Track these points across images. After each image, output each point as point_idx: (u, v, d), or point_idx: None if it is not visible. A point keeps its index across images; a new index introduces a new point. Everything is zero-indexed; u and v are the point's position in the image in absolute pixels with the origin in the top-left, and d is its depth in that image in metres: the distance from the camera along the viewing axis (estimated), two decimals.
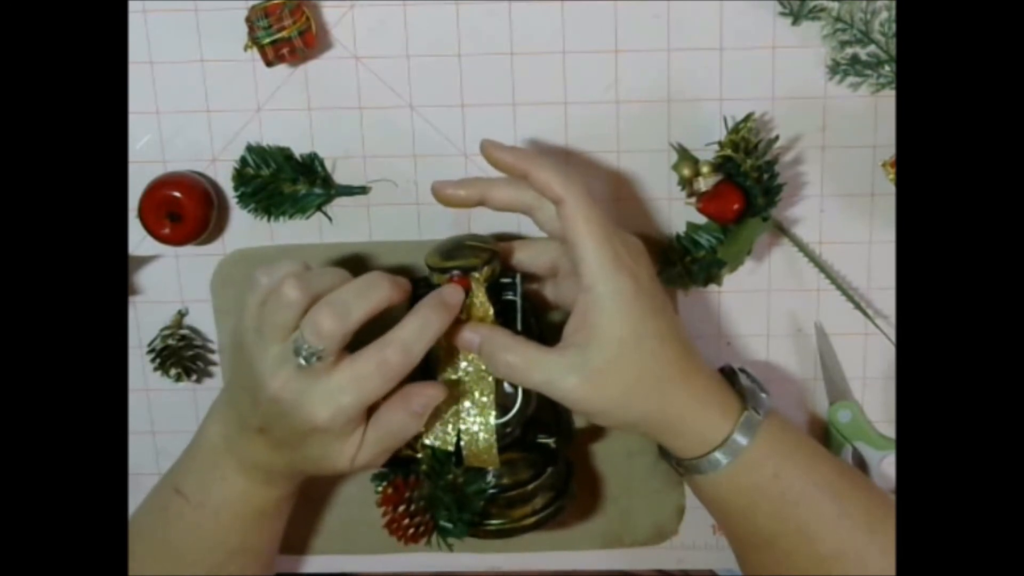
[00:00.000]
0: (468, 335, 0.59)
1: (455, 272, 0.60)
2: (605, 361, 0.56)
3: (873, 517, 0.58)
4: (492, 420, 0.61)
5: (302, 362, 0.55)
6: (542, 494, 0.63)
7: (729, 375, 0.62)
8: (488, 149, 0.58)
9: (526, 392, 0.62)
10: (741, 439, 0.58)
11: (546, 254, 0.62)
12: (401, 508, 0.63)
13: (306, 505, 0.72)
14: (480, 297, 0.60)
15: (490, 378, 0.61)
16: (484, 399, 0.61)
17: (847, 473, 0.61)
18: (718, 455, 0.58)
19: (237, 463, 0.62)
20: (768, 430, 0.58)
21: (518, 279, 0.62)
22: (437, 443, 0.61)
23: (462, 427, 0.61)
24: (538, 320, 0.64)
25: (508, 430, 0.62)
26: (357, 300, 0.56)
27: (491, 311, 0.60)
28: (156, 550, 0.64)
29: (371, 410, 0.58)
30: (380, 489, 0.64)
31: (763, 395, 0.60)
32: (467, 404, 0.61)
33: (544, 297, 0.64)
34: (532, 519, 0.63)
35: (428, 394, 0.58)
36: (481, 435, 0.61)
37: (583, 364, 0.56)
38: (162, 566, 0.64)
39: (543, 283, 0.64)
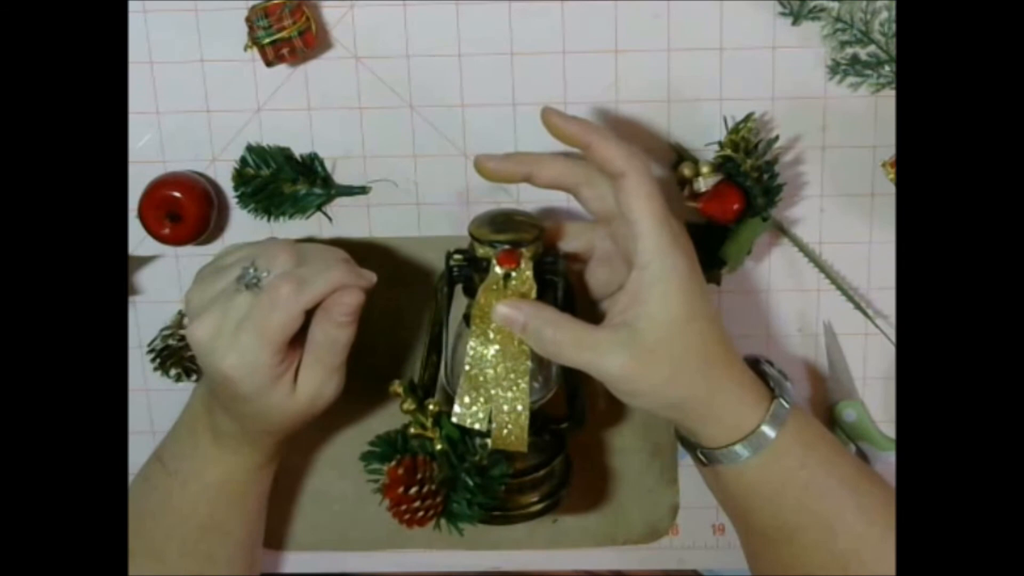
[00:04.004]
0: (512, 313, 0.57)
1: (505, 246, 0.58)
2: (656, 340, 0.55)
3: (890, 513, 0.58)
4: (527, 404, 0.59)
5: (244, 288, 0.57)
6: (549, 481, 0.63)
7: (753, 365, 0.61)
8: (551, 117, 0.57)
9: (548, 378, 0.61)
10: (769, 431, 0.57)
11: (582, 236, 0.61)
12: (413, 490, 0.60)
13: (299, 500, 0.73)
14: (527, 273, 0.58)
15: (527, 361, 0.59)
16: (519, 382, 0.59)
17: (864, 469, 0.61)
18: (744, 446, 0.57)
19: (208, 430, 0.63)
20: (794, 422, 0.58)
21: (561, 259, 0.61)
22: (467, 422, 0.59)
23: (494, 408, 0.59)
24: (575, 302, 0.63)
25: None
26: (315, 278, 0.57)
27: (534, 288, 0.58)
28: (134, 521, 0.64)
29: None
30: (387, 468, 0.60)
31: (788, 384, 0.60)
32: (501, 388, 0.59)
33: (576, 280, 0.63)
34: (538, 506, 0.62)
35: (346, 302, 0.58)
36: (514, 418, 0.59)
37: (633, 342, 0.55)
38: (139, 537, 0.64)
39: (575, 266, 0.63)
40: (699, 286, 0.56)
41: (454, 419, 0.59)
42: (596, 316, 0.60)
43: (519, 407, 0.59)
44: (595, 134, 0.56)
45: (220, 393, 0.60)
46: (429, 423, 0.61)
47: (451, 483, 0.61)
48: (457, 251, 0.61)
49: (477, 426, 0.59)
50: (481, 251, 0.59)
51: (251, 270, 0.58)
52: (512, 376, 0.59)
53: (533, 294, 0.58)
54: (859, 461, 0.62)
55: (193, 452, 0.64)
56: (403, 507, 0.60)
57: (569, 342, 0.56)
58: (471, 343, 0.59)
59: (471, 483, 0.60)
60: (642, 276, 0.55)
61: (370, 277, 0.60)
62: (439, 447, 0.61)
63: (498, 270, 0.59)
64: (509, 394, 0.59)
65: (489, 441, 0.59)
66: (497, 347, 0.59)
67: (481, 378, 0.59)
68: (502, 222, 0.60)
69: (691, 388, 0.56)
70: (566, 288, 0.61)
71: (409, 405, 0.61)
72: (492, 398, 0.59)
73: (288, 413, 0.60)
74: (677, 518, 0.72)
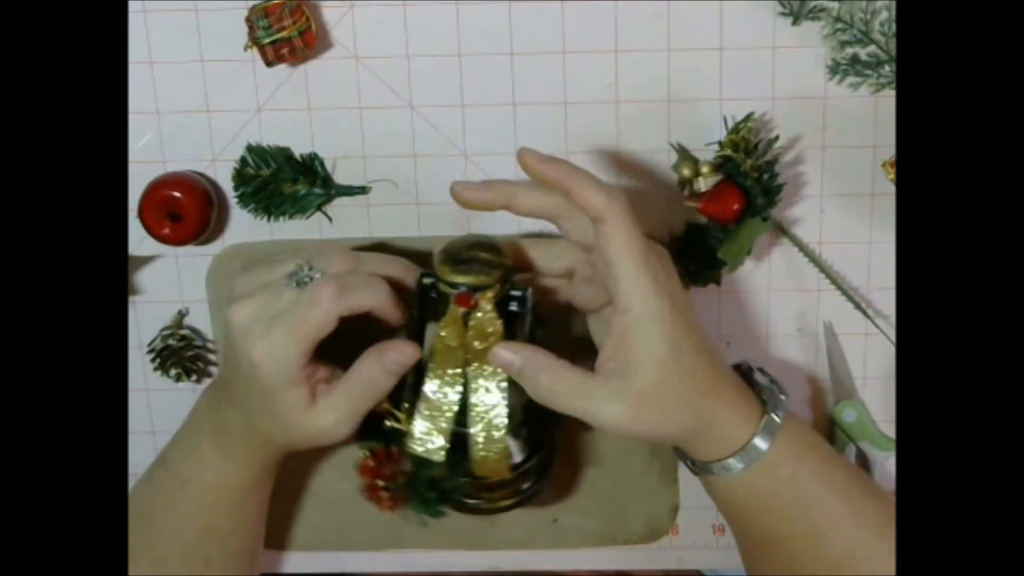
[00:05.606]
0: (507, 355, 0.56)
1: (463, 288, 0.58)
2: (646, 384, 0.55)
3: (883, 520, 0.58)
4: (503, 433, 0.58)
5: (295, 284, 0.57)
6: (524, 478, 0.62)
7: (746, 373, 0.61)
8: (527, 160, 0.56)
9: (520, 392, 0.60)
10: (761, 443, 0.57)
11: (563, 258, 0.60)
12: (380, 482, 0.61)
13: (300, 500, 0.73)
14: (488, 313, 0.58)
15: (497, 385, 0.58)
16: (496, 418, 0.58)
17: (858, 476, 0.61)
18: (737, 459, 0.58)
19: (211, 431, 0.63)
20: (786, 433, 0.58)
21: (528, 294, 0.59)
22: (423, 453, 0.59)
23: (479, 440, 0.59)
24: (547, 332, 0.62)
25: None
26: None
27: (499, 325, 0.58)
28: (135, 522, 0.64)
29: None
30: (362, 456, 0.62)
31: (782, 397, 0.59)
32: (471, 423, 0.58)
33: (556, 297, 0.62)
34: (511, 500, 0.62)
35: (405, 352, 0.58)
36: (491, 446, 0.59)
37: (625, 391, 0.55)
38: (139, 539, 0.64)
39: (557, 282, 0.62)
40: (684, 322, 0.56)
41: (410, 448, 0.59)
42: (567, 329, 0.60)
43: (496, 435, 0.58)
44: (573, 179, 0.55)
45: (239, 383, 0.59)
46: (404, 417, 0.60)
47: (411, 487, 0.61)
48: (426, 274, 0.60)
49: (435, 459, 0.59)
50: (443, 287, 0.58)
51: (305, 268, 0.58)
52: (486, 411, 0.58)
53: (499, 331, 0.58)
54: (853, 468, 0.62)
55: (194, 454, 0.64)
56: (374, 495, 0.61)
57: (564, 391, 0.56)
58: (430, 380, 0.58)
59: (429, 497, 0.60)
60: (625, 320, 0.55)
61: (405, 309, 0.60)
62: (408, 450, 0.60)
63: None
64: (480, 426, 0.58)
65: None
66: (460, 386, 0.58)
67: (440, 415, 0.58)
68: (466, 259, 0.58)
69: (684, 421, 0.57)
70: (535, 321, 0.59)
71: (384, 402, 0.60)
72: (452, 432, 0.58)
73: (295, 426, 0.59)
74: (677, 518, 0.72)
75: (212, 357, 0.71)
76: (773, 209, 0.65)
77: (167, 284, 0.70)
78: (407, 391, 0.61)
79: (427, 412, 0.59)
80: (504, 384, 0.58)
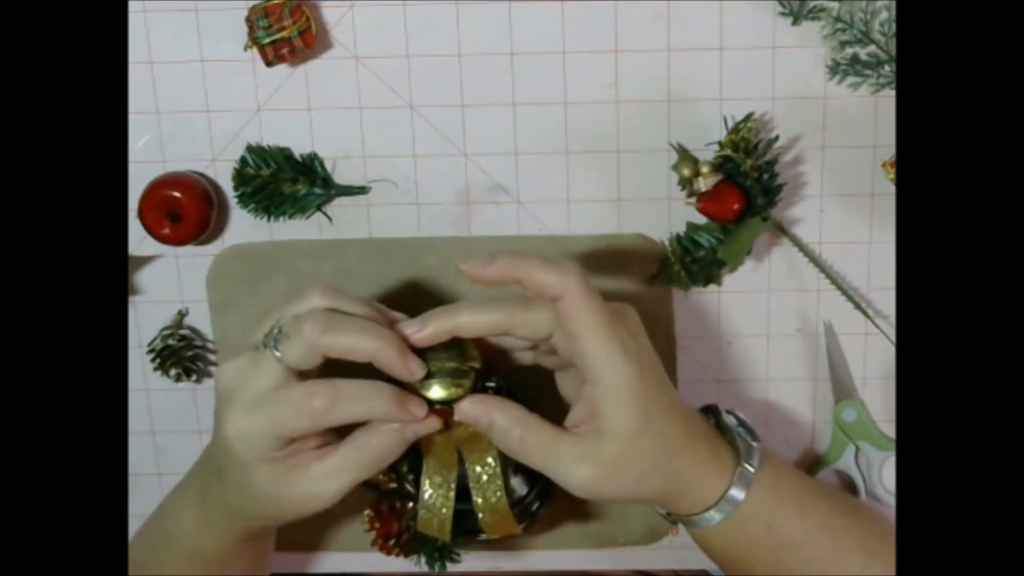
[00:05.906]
0: (478, 411, 0.55)
1: (436, 406, 0.56)
2: (618, 449, 0.55)
3: (868, 548, 0.58)
4: (504, 500, 0.59)
5: (262, 347, 0.54)
6: (531, 504, 0.63)
7: (715, 414, 0.61)
8: (470, 273, 0.54)
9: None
10: (737, 494, 0.57)
11: (526, 336, 0.57)
12: (391, 541, 0.65)
13: None
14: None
15: (491, 458, 0.59)
16: (492, 495, 0.59)
17: (842, 507, 0.60)
18: (712, 513, 0.58)
19: (196, 492, 0.60)
20: (761, 482, 0.58)
21: (502, 384, 0.59)
22: (430, 531, 0.60)
23: (477, 500, 0.60)
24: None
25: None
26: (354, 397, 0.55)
27: None
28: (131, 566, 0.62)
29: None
30: (367, 515, 0.66)
31: (755, 444, 0.59)
32: (473, 499, 0.60)
33: (525, 363, 0.61)
34: (521, 526, 0.62)
35: (426, 424, 0.56)
36: (495, 518, 0.60)
37: (597, 453, 0.55)
38: None
39: (525, 355, 0.61)
40: (653, 384, 0.55)
41: (419, 527, 0.61)
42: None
43: (495, 503, 0.59)
44: (521, 269, 0.54)
45: (216, 453, 0.57)
46: (404, 469, 0.63)
47: (419, 540, 0.64)
48: None
49: (444, 537, 0.60)
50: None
51: (275, 331, 0.54)
52: (483, 486, 0.59)
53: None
54: (837, 501, 0.61)
55: (180, 513, 0.61)
56: (383, 548, 0.67)
57: (535, 447, 0.55)
58: (427, 484, 0.59)
59: (438, 562, 0.64)
60: (595, 390, 0.54)
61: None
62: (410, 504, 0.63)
63: None
64: (480, 499, 0.60)
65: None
66: (452, 484, 0.59)
67: (444, 502, 0.60)
68: (434, 372, 0.55)
69: (656, 484, 0.56)
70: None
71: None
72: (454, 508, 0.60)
73: (274, 499, 0.56)
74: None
75: (212, 357, 0.71)
76: (773, 209, 0.65)
77: (167, 284, 0.70)
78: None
79: (431, 501, 0.60)
80: (495, 457, 0.60)
